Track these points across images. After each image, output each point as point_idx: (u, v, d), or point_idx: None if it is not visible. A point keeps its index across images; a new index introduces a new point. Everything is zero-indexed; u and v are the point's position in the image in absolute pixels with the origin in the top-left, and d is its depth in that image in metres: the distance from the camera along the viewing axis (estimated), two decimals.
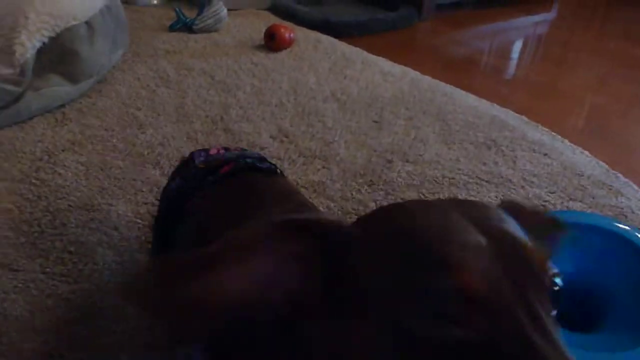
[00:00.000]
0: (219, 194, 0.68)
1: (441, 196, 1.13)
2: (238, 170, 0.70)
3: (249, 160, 0.73)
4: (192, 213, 0.68)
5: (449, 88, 1.66)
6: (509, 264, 0.30)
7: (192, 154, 0.78)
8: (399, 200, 1.11)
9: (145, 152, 1.22)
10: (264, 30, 1.89)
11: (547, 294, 0.31)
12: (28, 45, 1.30)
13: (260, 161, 0.75)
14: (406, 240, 0.32)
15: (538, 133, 1.41)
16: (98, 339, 0.77)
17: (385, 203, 1.10)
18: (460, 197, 1.13)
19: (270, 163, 0.77)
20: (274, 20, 2.15)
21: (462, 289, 0.28)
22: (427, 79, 1.73)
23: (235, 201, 0.64)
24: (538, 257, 0.31)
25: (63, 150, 1.20)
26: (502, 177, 1.21)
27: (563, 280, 0.32)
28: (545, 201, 1.13)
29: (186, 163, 0.77)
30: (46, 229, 0.97)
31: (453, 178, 1.19)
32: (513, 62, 2.18)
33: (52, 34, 1.34)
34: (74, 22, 1.39)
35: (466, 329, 0.27)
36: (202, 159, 0.74)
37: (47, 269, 0.88)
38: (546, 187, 1.18)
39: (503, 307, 0.28)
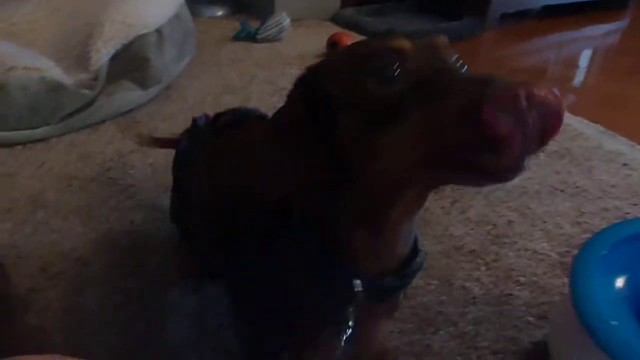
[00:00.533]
0: (219, 143, 0.74)
1: (511, 205, 1.08)
2: (236, 118, 0.76)
3: (242, 108, 0.81)
4: (199, 167, 0.74)
5: None
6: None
7: (194, 118, 0.83)
8: (466, 207, 1.07)
9: None
10: (326, 40, 1.90)
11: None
12: (103, 52, 1.35)
13: (254, 111, 0.81)
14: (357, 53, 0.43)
15: (615, 142, 1.33)
16: (164, 337, 0.78)
17: (452, 209, 1.06)
18: (532, 207, 1.08)
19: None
20: (336, 30, 2.15)
21: (391, 48, 0.41)
22: None
23: (233, 147, 0.70)
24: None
25: (132, 152, 1.24)
26: (577, 187, 1.14)
27: None
28: (627, 213, 1.06)
29: (191, 128, 0.83)
30: (115, 226, 1.00)
31: (524, 187, 1.13)
32: (581, 71, 2.09)
33: (125, 42, 1.39)
34: (145, 31, 1.43)
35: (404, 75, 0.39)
36: (203, 120, 0.82)
37: (116, 264, 0.90)
38: (626, 199, 1.11)
39: (423, 58, 0.41)
